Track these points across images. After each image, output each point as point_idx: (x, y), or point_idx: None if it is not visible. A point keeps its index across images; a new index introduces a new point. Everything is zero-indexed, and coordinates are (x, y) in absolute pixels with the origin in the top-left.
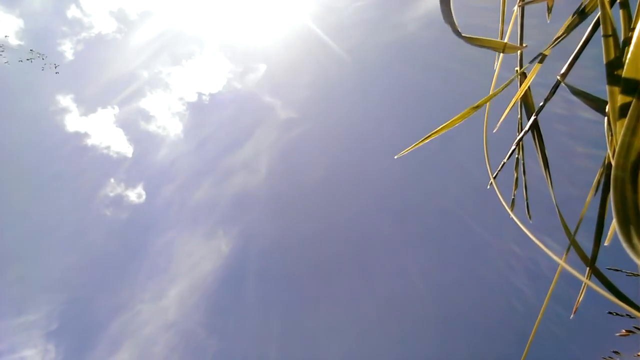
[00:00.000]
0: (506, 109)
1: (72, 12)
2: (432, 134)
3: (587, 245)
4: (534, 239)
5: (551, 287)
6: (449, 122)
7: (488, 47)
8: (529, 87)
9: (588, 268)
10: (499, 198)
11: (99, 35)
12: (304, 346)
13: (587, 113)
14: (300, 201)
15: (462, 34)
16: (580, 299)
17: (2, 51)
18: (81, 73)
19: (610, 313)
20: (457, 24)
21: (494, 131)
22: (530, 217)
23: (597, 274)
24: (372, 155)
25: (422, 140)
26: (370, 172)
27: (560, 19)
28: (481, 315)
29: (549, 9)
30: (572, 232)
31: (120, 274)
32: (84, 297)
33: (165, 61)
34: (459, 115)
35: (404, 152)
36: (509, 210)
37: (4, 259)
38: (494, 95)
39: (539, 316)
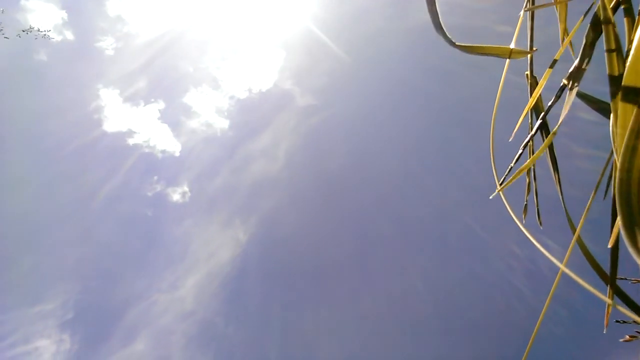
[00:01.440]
0: (515, 114)
1: (115, 7)
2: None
3: (588, 245)
4: (546, 253)
5: (551, 292)
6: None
7: (493, 55)
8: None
9: (609, 287)
10: (504, 204)
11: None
12: (313, 339)
13: (588, 114)
14: (317, 191)
15: (458, 44)
16: (608, 319)
17: (1, 30)
18: (123, 68)
19: (617, 322)
20: (450, 36)
21: (510, 139)
22: (541, 224)
23: (618, 293)
24: (379, 150)
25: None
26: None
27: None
28: (482, 316)
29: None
30: (581, 238)
31: (137, 264)
32: (100, 287)
33: (183, 57)
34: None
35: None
36: (516, 219)
37: (22, 249)
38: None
39: (539, 319)
